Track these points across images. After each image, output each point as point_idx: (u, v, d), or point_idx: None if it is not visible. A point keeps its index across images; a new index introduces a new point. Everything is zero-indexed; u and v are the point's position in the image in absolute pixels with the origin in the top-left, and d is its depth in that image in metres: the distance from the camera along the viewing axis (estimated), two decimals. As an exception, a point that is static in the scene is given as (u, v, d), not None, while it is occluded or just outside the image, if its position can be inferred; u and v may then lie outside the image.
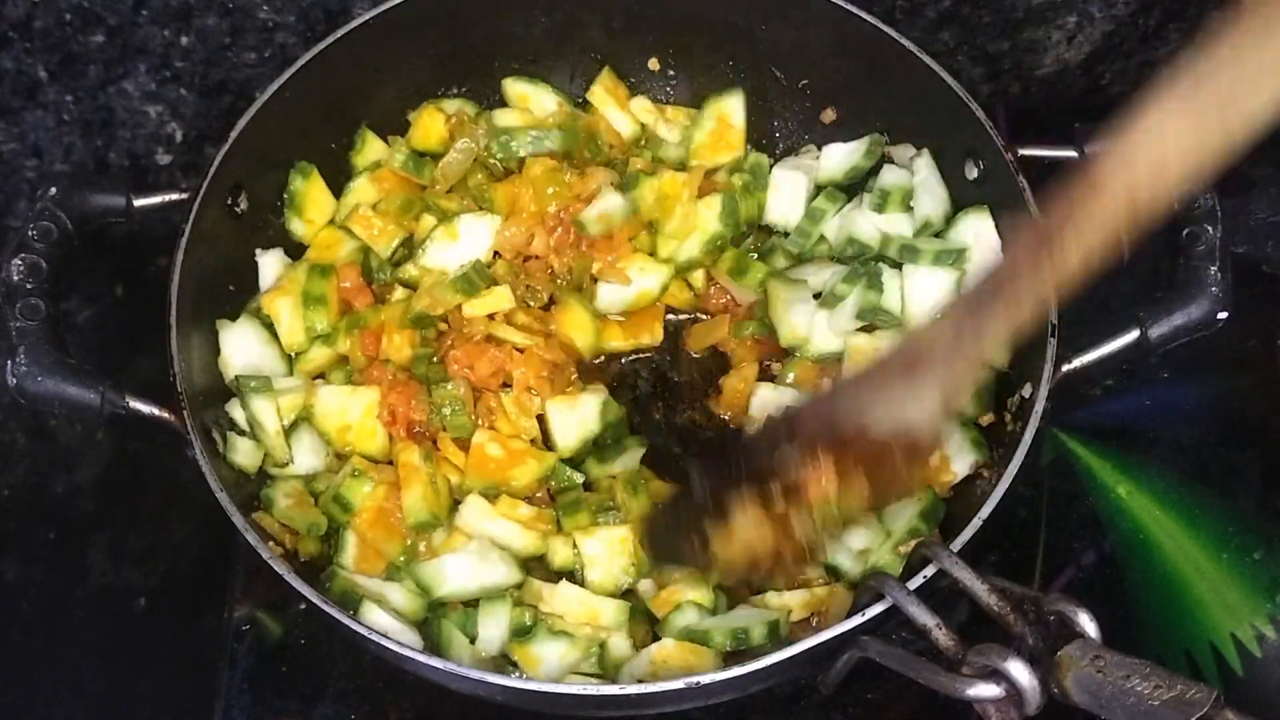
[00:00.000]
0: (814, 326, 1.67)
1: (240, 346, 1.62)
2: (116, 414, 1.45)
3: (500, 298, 1.65)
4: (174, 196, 1.58)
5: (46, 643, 1.67)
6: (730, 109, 1.82)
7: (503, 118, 1.79)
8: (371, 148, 1.78)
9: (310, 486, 1.58)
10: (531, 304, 1.70)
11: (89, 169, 1.92)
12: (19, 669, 1.65)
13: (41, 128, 1.86)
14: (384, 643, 1.34)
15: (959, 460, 1.55)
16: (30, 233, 1.50)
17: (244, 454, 1.56)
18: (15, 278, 1.47)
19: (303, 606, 1.55)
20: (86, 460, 1.79)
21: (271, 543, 1.47)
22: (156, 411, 1.46)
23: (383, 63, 1.75)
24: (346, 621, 1.35)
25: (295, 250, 1.74)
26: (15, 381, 1.43)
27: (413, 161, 1.73)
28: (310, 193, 1.72)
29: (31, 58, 1.79)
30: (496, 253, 1.72)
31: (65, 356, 1.45)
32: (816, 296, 1.69)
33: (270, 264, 1.69)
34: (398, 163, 1.72)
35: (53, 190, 1.54)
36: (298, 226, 1.73)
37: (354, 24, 1.68)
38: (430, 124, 1.77)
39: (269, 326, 1.65)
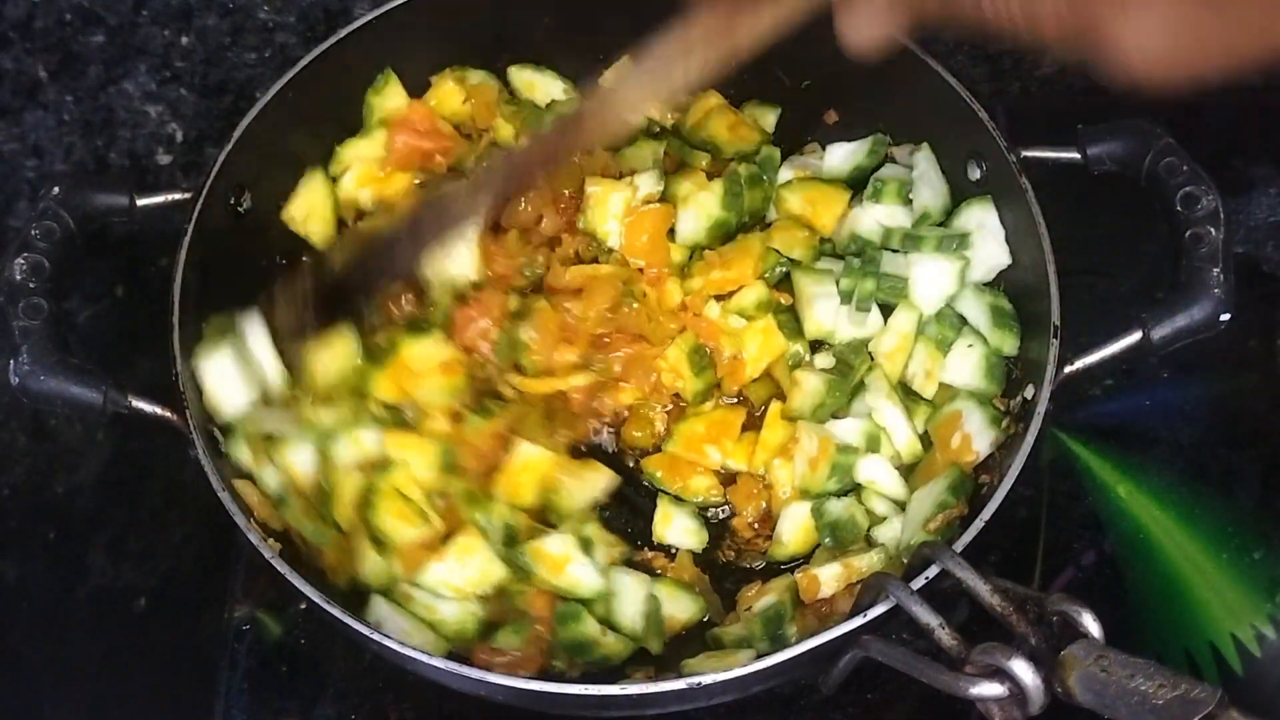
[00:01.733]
0: (839, 317, 1.67)
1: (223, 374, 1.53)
2: (118, 413, 1.45)
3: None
4: (176, 196, 1.58)
5: (46, 643, 1.67)
6: (765, 117, 1.84)
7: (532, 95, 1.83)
8: (393, 89, 1.76)
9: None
10: (528, 274, 1.70)
11: (89, 169, 1.92)
12: (19, 669, 1.65)
13: (41, 128, 1.86)
14: (386, 643, 1.33)
15: (980, 439, 1.54)
16: (33, 232, 1.50)
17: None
18: (18, 277, 1.46)
19: (303, 606, 1.55)
20: (87, 460, 1.79)
21: (270, 539, 1.47)
22: (159, 411, 1.45)
23: (384, 63, 1.75)
24: (347, 621, 1.34)
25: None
26: (18, 381, 1.43)
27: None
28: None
29: (31, 58, 1.79)
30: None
31: (68, 356, 1.45)
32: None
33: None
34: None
35: (55, 190, 1.53)
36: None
37: (355, 24, 1.68)
38: (449, 93, 1.77)
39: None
